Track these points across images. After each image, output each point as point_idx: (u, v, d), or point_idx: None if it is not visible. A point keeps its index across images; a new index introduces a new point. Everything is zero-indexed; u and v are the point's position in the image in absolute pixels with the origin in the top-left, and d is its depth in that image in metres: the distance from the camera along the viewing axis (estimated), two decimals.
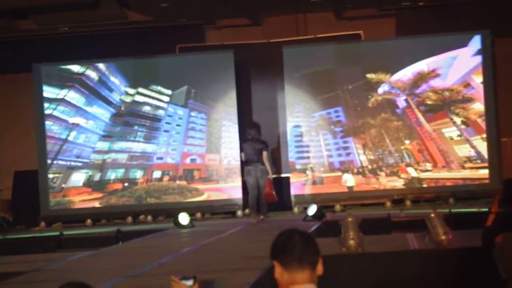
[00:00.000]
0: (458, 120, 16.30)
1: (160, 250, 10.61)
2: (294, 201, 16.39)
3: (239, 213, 16.40)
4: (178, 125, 17.10)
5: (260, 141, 14.32)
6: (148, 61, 17.26)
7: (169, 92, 17.11)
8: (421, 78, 16.40)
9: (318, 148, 16.70)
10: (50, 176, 17.09)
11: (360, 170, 16.50)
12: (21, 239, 14.29)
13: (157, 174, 17.05)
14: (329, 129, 16.74)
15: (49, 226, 16.64)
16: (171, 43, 17.64)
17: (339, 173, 16.58)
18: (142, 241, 12.49)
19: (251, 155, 14.18)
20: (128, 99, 17.19)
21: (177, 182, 16.96)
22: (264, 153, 14.14)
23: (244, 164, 14.66)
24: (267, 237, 10.88)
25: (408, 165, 16.39)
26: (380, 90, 16.53)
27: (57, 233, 14.27)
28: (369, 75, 16.51)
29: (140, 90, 17.18)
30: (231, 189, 16.71)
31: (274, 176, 14.65)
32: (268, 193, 13.95)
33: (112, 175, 17.11)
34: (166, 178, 17.01)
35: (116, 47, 17.64)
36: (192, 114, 17.04)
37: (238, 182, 16.64)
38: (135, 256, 10.26)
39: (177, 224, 14.09)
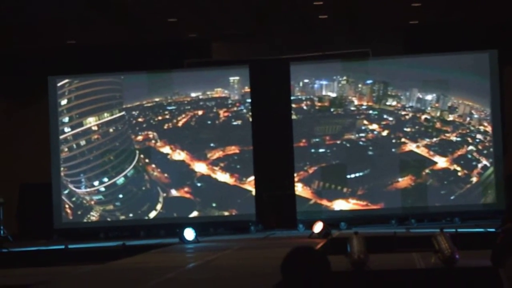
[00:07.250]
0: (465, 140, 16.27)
1: (166, 265, 10.59)
2: (299, 218, 16.32)
3: (252, 228, 16.30)
4: None
5: None
6: (162, 75, 17.28)
7: None
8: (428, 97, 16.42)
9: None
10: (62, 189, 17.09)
11: None
12: (27, 252, 14.24)
13: None
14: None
15: (61, 240, 16.40)
16: (178, 57, 17.49)
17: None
18: (147, 255, 12.47)
19: None
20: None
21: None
22: None
23: None
24: (272, 254, 10.83)
25: None
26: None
27: (62, 246, 14.23)
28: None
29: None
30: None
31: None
32: None
33: None
34: None
35: (128, 60, 17.47)
36: None
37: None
38: (140, 270, 10.24)
39: (183, 239, 14.08)
